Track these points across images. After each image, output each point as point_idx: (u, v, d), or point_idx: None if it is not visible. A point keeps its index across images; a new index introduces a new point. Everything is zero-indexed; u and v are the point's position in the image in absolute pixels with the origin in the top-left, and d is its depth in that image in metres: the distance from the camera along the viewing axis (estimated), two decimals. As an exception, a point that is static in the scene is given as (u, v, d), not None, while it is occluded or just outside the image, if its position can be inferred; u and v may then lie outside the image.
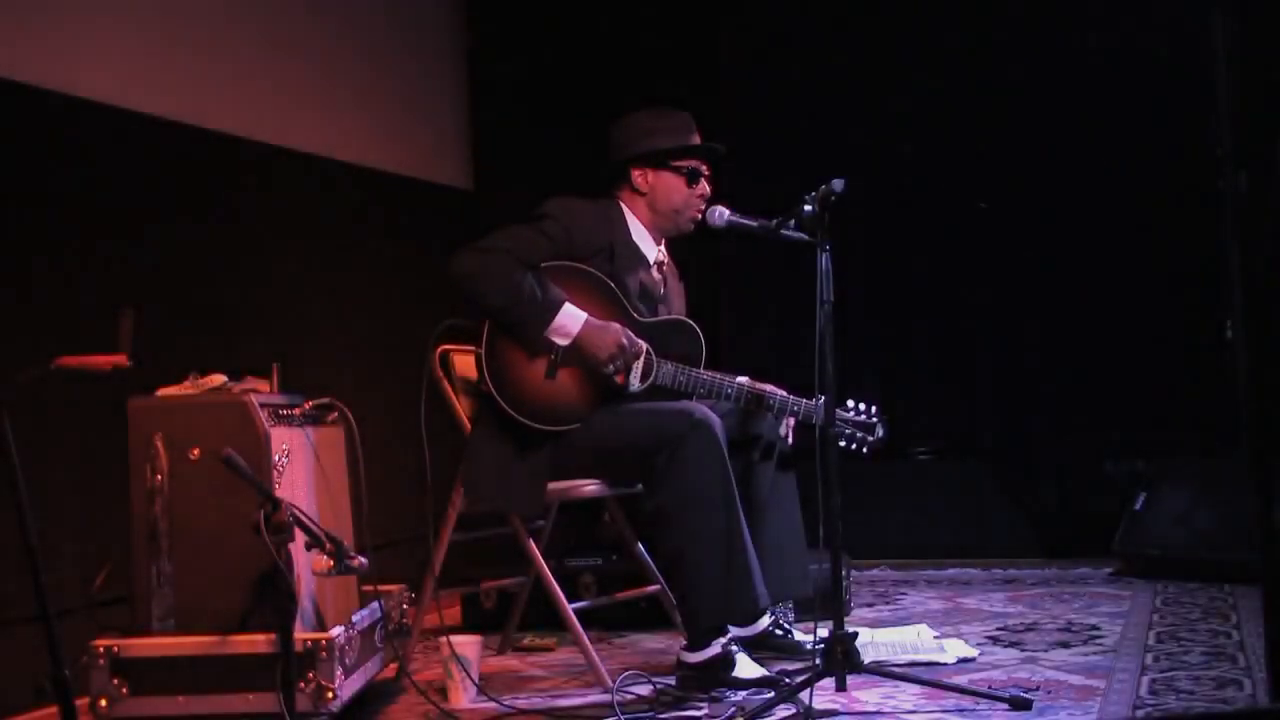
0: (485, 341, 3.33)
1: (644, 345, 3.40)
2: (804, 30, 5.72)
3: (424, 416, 3.29)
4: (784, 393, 3.49)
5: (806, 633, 3.51)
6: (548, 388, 3.34)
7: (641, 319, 3.47)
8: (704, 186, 3.57)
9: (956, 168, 5.48)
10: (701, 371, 3.44)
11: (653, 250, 3.58)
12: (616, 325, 3.36)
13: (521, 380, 3.33)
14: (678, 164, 3.55)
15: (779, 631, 3.59)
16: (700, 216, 3.57)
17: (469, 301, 3.32)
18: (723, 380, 3.45)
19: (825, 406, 3.11)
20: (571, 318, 3.32)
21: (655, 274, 3.58)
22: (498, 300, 3.29)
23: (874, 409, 3.53)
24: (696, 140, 3.58)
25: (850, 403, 3.51)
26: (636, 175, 3.55)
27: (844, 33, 5.67)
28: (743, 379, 3.50)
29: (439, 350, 3.59)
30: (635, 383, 3.40)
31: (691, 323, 3.52)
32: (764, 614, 3.55)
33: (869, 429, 3.52)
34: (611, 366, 3.35)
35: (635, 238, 3.55)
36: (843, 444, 3.46)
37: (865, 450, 3.52)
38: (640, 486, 3.37)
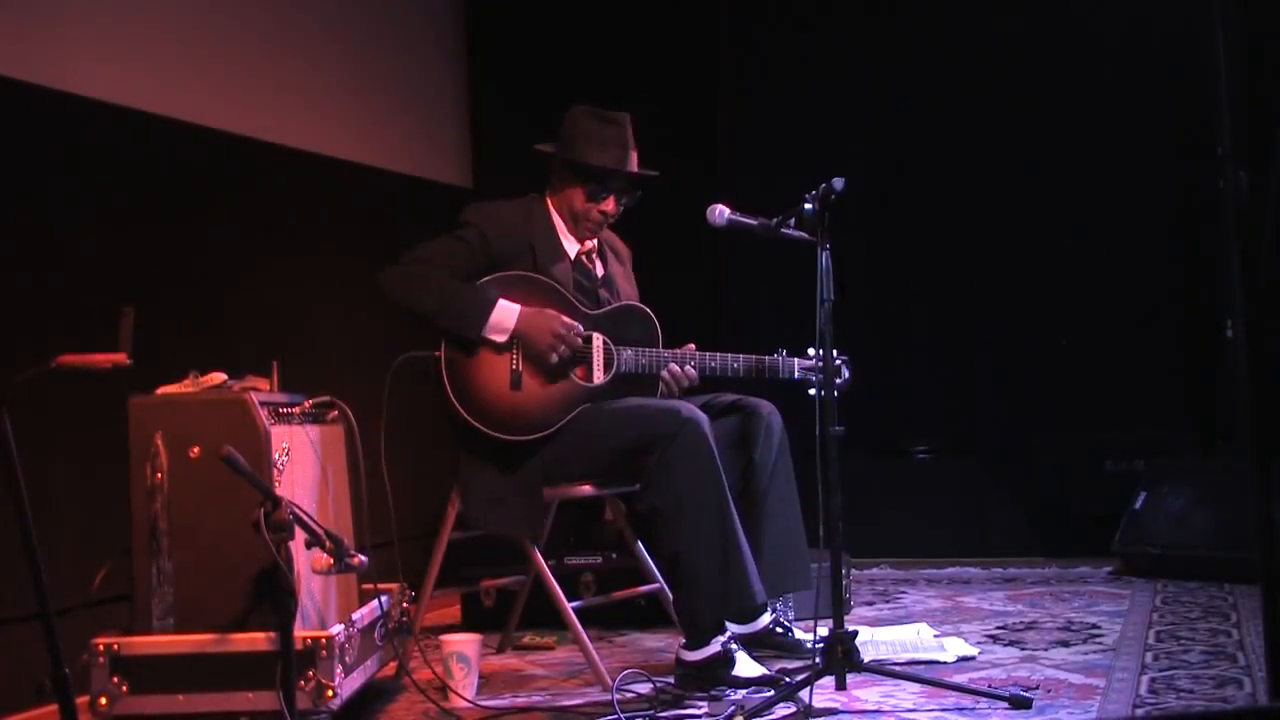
0: (444, 365, 3.33)
1: (579, 327, 3.40)
2: (804, 29, 5.73)
3: (383, 439, 3.25)
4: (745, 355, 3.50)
5: (807, 631, 3.51)
6: (515, 398, 3.35)
7: (589, 312, 3.46)
8: (608, 204, 3.53)
9: (957, 167, 5.48)
10: (662, 350, 3.45)
11: (575, 245, 3.57)
12: (551, 311, 3.38)
13: (487, 395, 3.34)
14: (586, 179, 3.51)
15: (779, 630, 3.59)
16: (596, 228, 3.57)
17: (402, 311, 3.37)
18: (685, 353, 3.45)
19: (823, 401, 3.10)
20: (506, 312, 3.34)
21: (584, 262, 3.57)
22: (427, 305, 3.33)
23: (834, 352, 3.50)
24: (626, 158, 3.52)
25: (810, 351, 3.44)
26: (554, 170, 3.57)
27: (844, 31, 5.68)
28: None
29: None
30: (599, 376, 3.40)
31: (639, 305, 3.54)
32: (762, 610, 3.55)
33: (834, 373, 3.48)
34: (555, 356, 3.35)
35: (557, 230, 3.56)
36: (812, 392, 3.43)
37: (835, 395, 3.47)
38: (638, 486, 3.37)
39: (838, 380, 3.45)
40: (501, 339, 3.34)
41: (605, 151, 3.51)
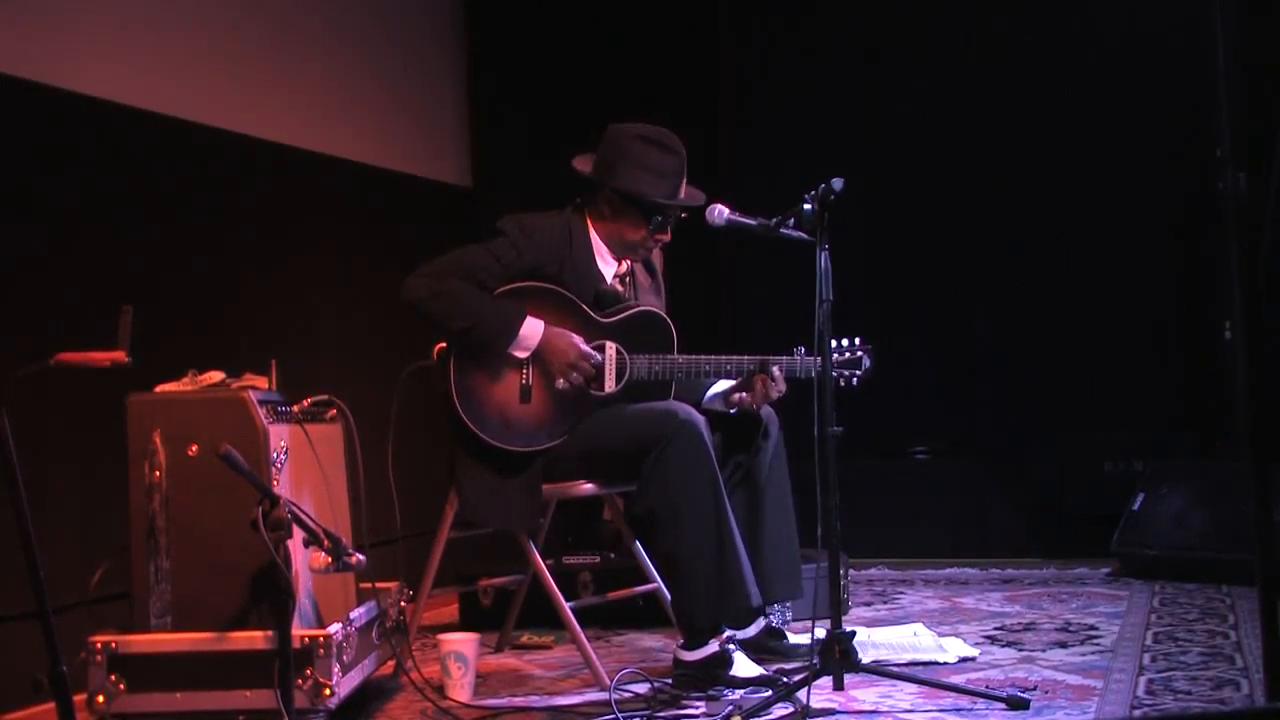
0: (453, 375, 3.32)
1: (597, 356, 3.37)
2: (804, 28, 5.73)
3: (392, 446, 3.26)
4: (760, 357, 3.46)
5: (803, 633, 3.51)
6: (522, 410, 3.34)
7: (605, 320, 3.43)
8: (666, 234, 3.49)
9: (957, 167, 5.48)
10: (677, 356, 3.41)
11: (611, 267, 3.51)
12: (575, 337, 3.34)
13: (493, 404, 3.33)
14: (648, 213, 3.43)
15: (776, 635, 3.58)
16: (652, 252, 3.55)
17: (431, 326, 3.32)
18: (701, 359, 3.40)
19: (821, 400, 3.09)
20: (532, 328, 3.31)
21: (617, 285, 3.52)
22: (458, 323, 3.28)
23: (857, 341, 3.46)
24: (681, 187, 3.46)
25: (833, 342, 3.38)
26: (605, 198, 3.45)
27: (844, 30, 5.68)
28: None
29: (437, 349, 3.57)
30: (610, 385, 3.38)
31: (656, 311, 3.49)
32: (758, 614, 3.54)
33: (855, 365, 3.45)
34: (564, 382, 3.33)
35: (595, 253, 3.48)
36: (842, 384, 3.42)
37: (855, 383, 3.44)
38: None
39: (859, 373, 3.45)
40: (524, 355, 3.32)
41: (667, 182, 3.42)
